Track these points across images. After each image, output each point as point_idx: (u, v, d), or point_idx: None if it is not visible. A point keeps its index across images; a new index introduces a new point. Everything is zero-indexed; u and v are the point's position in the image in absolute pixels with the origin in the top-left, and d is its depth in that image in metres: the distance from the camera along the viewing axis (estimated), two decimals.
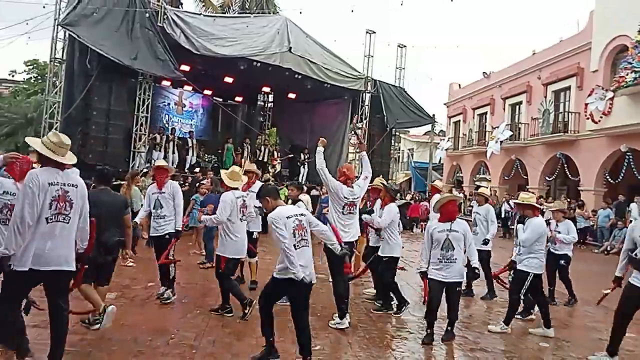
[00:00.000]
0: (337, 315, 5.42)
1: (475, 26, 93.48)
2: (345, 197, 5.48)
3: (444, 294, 5.11)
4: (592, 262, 13.29)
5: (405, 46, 19.35)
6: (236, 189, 5.63)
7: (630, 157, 16.42)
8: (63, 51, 12.09)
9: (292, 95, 18.59)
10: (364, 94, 18.02)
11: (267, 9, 22.15)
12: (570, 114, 19.58)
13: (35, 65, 28.28)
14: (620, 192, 16.65)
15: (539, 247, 5.60)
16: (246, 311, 5.34)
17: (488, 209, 7.51)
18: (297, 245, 4.04)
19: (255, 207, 5.81)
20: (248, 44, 13.83)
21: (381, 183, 6.80)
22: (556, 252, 7.26)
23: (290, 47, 14.60)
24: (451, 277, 5.00)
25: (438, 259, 5.06)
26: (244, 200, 5.67)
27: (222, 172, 6.01)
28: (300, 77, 15.43)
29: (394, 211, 6.11)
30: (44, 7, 12.19)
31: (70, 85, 11.90)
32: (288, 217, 4.08)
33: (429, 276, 5.16)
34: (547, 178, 21.21)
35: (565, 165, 19.61)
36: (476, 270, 5.15)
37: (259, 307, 4.32)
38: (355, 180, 5.71)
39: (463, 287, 6.26)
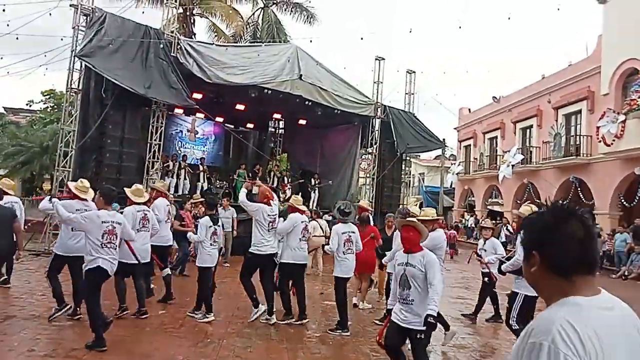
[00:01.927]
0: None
1: (483, 45, 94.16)
2: (269, 215, 6.41)
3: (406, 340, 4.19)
4: (610, 287, 12.92)
5: (414, 72, 19.51)
6: (139, 203, 6.56)
7: None
8: (79, 81, 12.35)
9: (302, 122, 18.76)
10: (374, 120, 18.12)
11: (278, 38, 22.57)
12: (582, 137, 19.50)
13: (52, 95, 28.88)
14: (637, 215, 16.39)
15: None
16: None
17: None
18: (104, 245, 5.05)
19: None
20: (259, 72, 14.06)
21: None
22: (482, 270, 7.48)
23: (301, 75, 14.80)
24: (408, 322, 4.00)
25: (397, 296, 4.17)
26: (145, 214, 6.57)
27: (127, 189, 6.74)
28: (310, 103, 15.59)
29: (293, 219, 6.60)
30: (61, 39, 12.53)
31: (85, 114, 12.12)
32: (103, 222, 5.09)
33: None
34: (560, 202, 20.96)
35: (579, 189, 19.41)
36: (429, 319, 3.94)
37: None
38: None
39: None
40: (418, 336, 3.97)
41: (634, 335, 1.33)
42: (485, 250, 7.22)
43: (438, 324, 5.88)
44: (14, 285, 7.63)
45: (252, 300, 6.39)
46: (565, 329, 1.21)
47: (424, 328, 3.87)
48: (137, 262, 6.01)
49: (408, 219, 4.74)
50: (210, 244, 6.54)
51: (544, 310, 1.36)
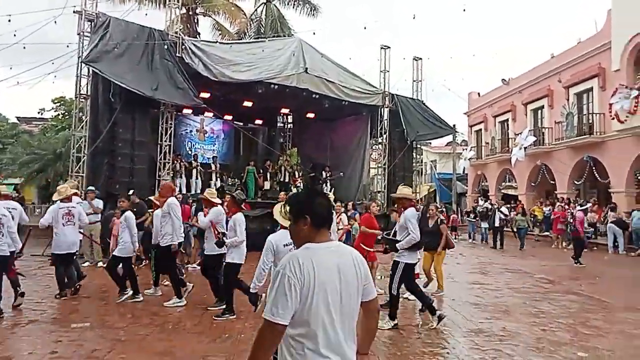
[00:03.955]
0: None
1: (489, 31, 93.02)
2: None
3: None
4: (628, 265, 12.85)
5: (420, 59, 19.36)
6: (62, 200, 7.37)
7: None
8: (87, 87, 12.49)
9: (311, 115, 18.75)
10: (383, 109, 18.04)
11: (281, 33, 22.51)
12: (594, 115, 19.21)
13: (62, 102, 29.22)
14: None
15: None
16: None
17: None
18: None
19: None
20: (265, 67, 14.06)
21: (228, 193, 7.63)
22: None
23: (307, 68, 14.77)
24: None
25: None
26: (70, 210, 7.37)
27: (56, 192, 7.65)
28: (317, 96, 15.56)
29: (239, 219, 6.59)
30: (67, 46, 12.65)
31: (95, 119, 12.25)
32: None
33: None
34: (575, 182, 20.74)
35: (594, 168, 19.14)
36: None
37: None
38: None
39: None
40: None
41: (348, 267, 2.04)
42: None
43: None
44: (34, 290, 7.78)
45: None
46: (293, 261, 1.94)
47: None
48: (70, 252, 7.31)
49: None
50: None
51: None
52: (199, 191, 15.10)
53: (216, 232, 6.80)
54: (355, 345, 2.04)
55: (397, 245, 6.10)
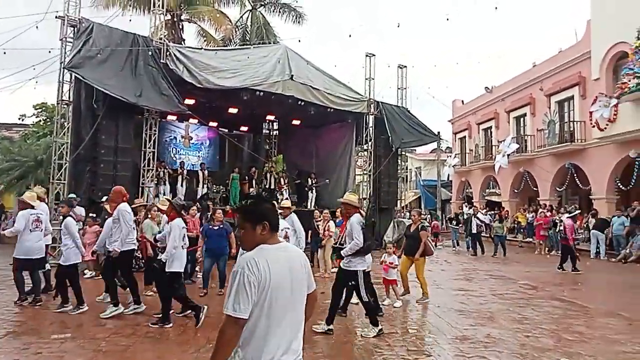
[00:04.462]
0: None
1: (474, 37, 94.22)
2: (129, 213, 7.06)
3: None
4: (610, 271, 13.05)
5: (405, 67, 19.50)
6: (32, 207, 7.44)
7: None
8: (70, 93, 12.30)
9: (296, 122, 18.75)
10: (368, 116, 18.11)
11: (267, 39, 22.53)
12: (575, 123, 19.55)
13: (43, 108, 28.72)
14: (634, 198, 16.42)
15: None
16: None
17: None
18: None
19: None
20: (250, 74, 14.02)
21: (167, 199, 7.48)
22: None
23: (292, 75, 14.77)
24: None
25: None
26: (38, 217, 7.46)
27: (24, 195, 7.80)
28: (303, 103, 15.56)
29: (180, 226, 6.51)
30: (49, 51, 12.45)
31: (77, 126, 12.06)
32: None
33: None
34: (557, 189, 21.04)
35: (575, 175, 19.46)
36: None
37: None
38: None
39: None
40: None
41: (297, 264, 2.31)
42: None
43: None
44: (13, 300, 7.61)
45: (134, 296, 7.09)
46: (250, 261, 2.15)
47: None
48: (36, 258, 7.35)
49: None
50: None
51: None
52: (183, 198, 14.98)
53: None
54: (301, 334, 2.34)
55: (342, 252, 6.14)
